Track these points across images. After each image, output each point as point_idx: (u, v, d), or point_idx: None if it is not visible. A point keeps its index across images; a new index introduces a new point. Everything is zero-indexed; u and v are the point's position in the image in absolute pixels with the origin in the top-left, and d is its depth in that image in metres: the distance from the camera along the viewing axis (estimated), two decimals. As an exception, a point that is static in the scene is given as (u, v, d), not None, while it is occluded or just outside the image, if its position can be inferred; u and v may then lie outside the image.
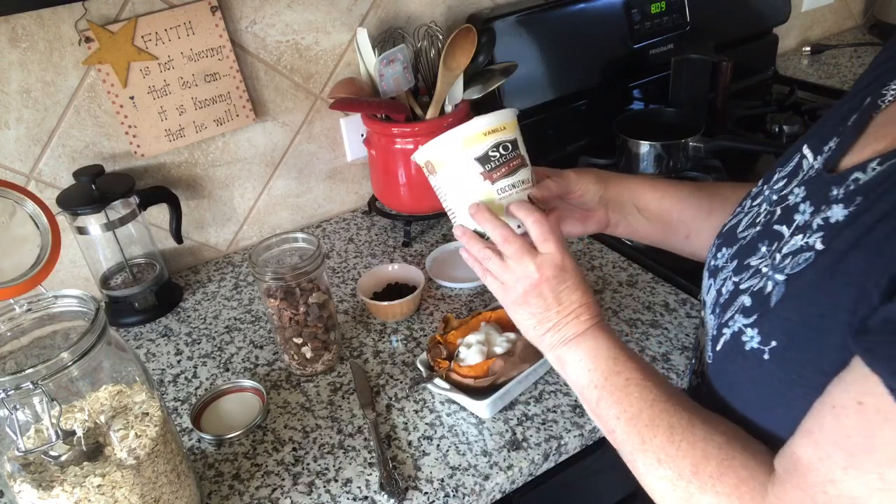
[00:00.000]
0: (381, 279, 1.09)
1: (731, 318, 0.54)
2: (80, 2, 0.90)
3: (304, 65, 1.21)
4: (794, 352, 0.48)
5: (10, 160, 1.03)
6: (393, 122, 1.15)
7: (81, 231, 1.06)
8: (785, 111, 1.49)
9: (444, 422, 0.86)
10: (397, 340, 1.01)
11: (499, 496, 0.80)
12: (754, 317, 0.51)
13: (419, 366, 0.91)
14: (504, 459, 0.80)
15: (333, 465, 0.82)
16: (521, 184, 0.68)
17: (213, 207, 1.23)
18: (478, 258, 0.68)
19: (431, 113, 1.16)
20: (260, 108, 1.19)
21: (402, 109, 1.15)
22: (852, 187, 0.47)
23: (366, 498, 0.77)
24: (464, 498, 0.77)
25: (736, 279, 0.56)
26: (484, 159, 0.66)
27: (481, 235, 0.68)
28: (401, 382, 0.93)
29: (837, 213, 0.47)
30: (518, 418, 0.85)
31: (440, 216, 1.24)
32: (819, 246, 0.48)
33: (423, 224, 1.28)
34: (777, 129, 1.39)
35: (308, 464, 0.83)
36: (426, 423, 0.86)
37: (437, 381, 0.87)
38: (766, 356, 0.50)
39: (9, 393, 0.58)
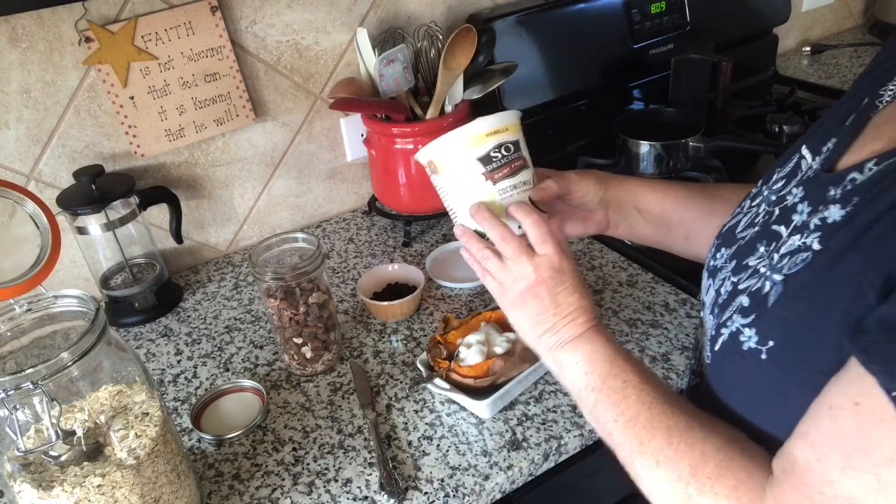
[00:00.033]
0: (381, 279, 1.09)
1: (730, 318, 0.54)
2: (80, 2, 0.90)
3: (304, 65, 1.21)
4: (791, 352, 0.48)
5: (10, 160, 1.03)
6: (393, 122, 1.15)
7: (81, 231, 1.07)
8: (785, 111, 1.48)
9: (444, 422, 0.86)
10: (397, 340, 1.01)
11: (499, 496, 0.80)
12: (752, 317, 0.51)
13: (419, 366, 0.91)
14: (504, 459, 0.80)
15: (333, 465, 0.82)
16: (522, 185, 0.68)
17: (213, 207, 1.23)
18: (477, 258, 0.68)
19: (431, 113, 1.16)
20: (260, 108, 1.20)
21: (402, 109, 1.15)
22: (849, 187, 0.47)
23: (366, 498, 0.78)
24: (464, 498, 0.77)
25: (734, 279, 0.56)
26: (486, 160, 0.66)
27: (482, 235, 0.68)
28: (401, 382, 0.93)
29: (834, 213, 0.47)
30: (518, 418, 0.85)
31: (440, 216, 1.24)
32: (816, 246, 0.48)
33: (423, 224, 1.28)
34: (777, 129, 1.39)
35: (308, 464, 0.83)
36: (426, 423, 0.86)
37: (437, 381, 0.87)
38: (763, 356, 0.50)
39: (9, 393, 0.58)
